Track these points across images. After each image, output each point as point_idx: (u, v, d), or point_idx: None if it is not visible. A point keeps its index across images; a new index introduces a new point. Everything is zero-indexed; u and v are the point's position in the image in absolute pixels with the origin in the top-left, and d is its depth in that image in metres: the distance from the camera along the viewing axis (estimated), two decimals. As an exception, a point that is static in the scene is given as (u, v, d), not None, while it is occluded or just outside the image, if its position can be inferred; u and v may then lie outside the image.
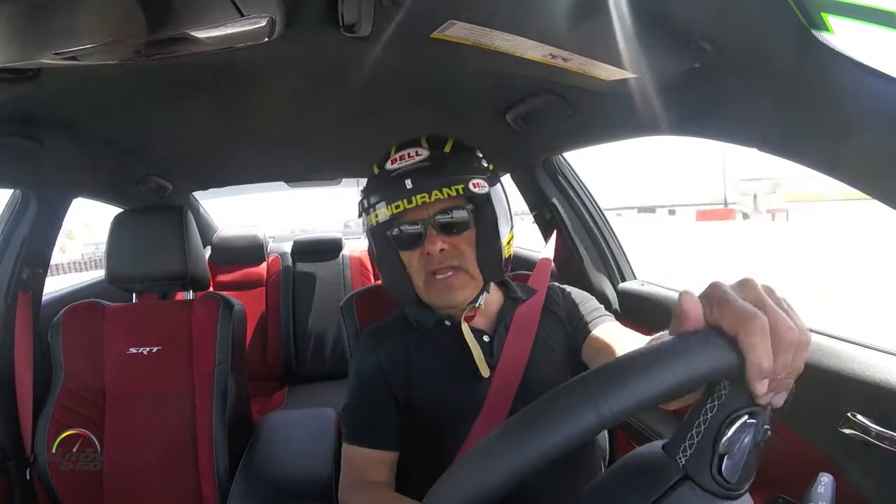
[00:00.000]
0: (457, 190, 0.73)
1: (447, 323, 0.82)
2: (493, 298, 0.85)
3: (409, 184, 0.72)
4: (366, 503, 0.71)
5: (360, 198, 0.82)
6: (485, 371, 0.77)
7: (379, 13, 0.59)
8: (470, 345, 0.78)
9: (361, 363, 0.82)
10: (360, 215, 0.81)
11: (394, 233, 0.78)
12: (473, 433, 0.74)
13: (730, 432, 0.35)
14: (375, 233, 0.79)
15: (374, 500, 0.71)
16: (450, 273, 0.76)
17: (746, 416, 0.35)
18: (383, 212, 0.74)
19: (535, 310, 0.84)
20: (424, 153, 0.76)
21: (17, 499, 1.11)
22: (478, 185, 0.75)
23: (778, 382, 0.34)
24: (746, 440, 0.35)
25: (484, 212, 0.78)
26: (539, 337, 0.81)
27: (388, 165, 0.77)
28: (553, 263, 1.51)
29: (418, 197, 0.72)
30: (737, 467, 0.35)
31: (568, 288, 0.91)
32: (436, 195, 0.72)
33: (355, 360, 0.85)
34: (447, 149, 0.78)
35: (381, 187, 0.76)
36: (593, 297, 0.89)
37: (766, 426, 0.36)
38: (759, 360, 0.32)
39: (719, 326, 0.34)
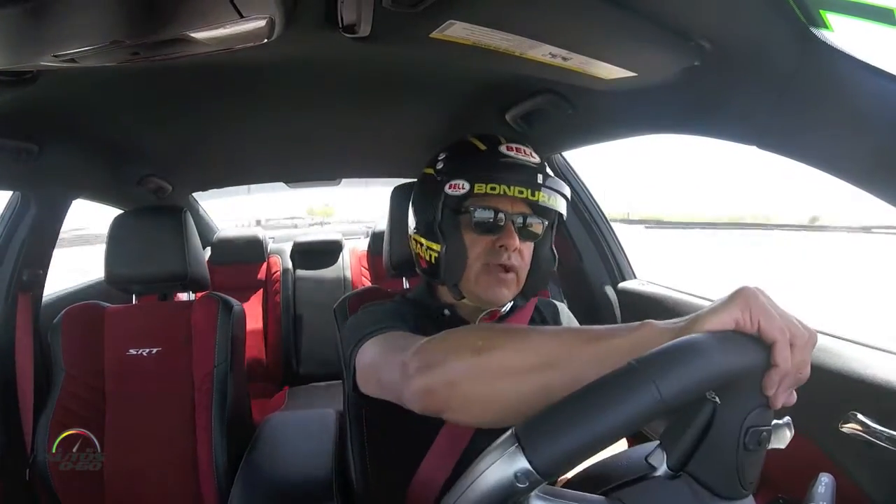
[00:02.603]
0: (558, 203, 0.75)
1: (446, 312, 0.81)
2: None
3: (540, 178, 0.72)
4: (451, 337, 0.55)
5: (446, 162, 0.78)
6: None
7: (378, 14, 0.58)
8: None
9: (383, 307, 0.80)
10: (439, 177, 0.77)
11: (478, 212, 0.75)
12: (443, 432, 0.74)
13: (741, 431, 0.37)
14: (449, 202, 0.76)
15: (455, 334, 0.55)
16: (506, 272, 0.76)
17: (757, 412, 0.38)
18: (490, 187, 0.72)
19: (525, 318, 0.84)
20: (536, 158, 0.77)
21: (18, 499, 1.11)
22: (565, 206, 0.77)
23: (792, 382, 0.39)
24: (754, 439, 0.37)
25: (550, 230, 0.81)
26: None
27: (504, 150, 0.76)
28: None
29: (541, 193, 0.72)
30: (742, 466, 0.37)
31: (563, 309, 0.92)
32: (550, 200, 0.73)
33: (385, 305, 0.81)
34: (544, 163, 0.79)
35: (495, 164, 0.74)
36: None
37: (767, 427, 0.38)
38: (787, 367, 0.38)
39: (754, 332, 0.38)
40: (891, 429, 0.63)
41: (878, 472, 0.66)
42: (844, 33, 0.49)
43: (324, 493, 0.95)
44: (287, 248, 2.45)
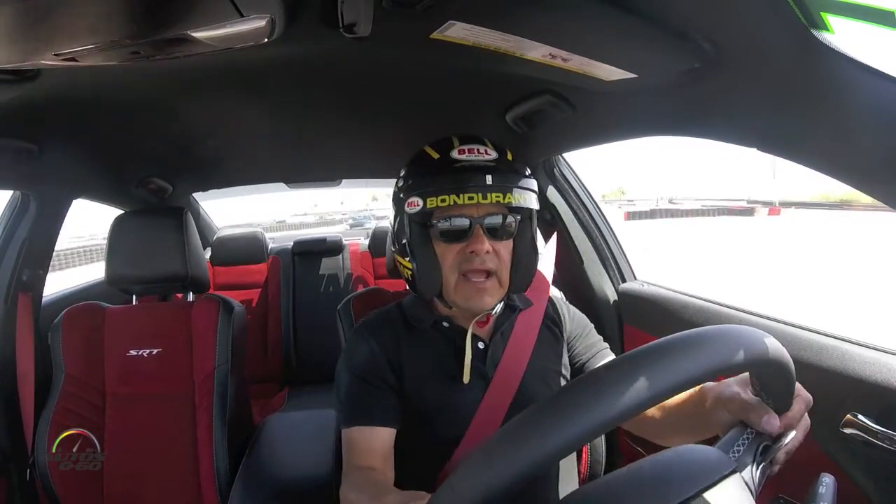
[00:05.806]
0: (525, 199, 0.74)
1: (445, 324, 0.81)
2: None
3: (489, 179, 0.71)
4: (359, 493, 0.68)
5: (405, 179, 0.78)
6: (466, 377, 0.77)
7: (379, 14, 0.59)
8: (467, 349, 0.78)
9: (354, 353, 0.81)
10: (401, 194, 0.78)
11: (441, 223, 0.75)
12: (467, 439, 0.74)
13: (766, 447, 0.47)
14: (414, 218, 0.76)
15: (368, 489, 0.68)
16: (484, 278, 0.75)
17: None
18: (440, 199, 0.72)
19: (535, 322, 0.84)
20: (493, 154, 0.75)
21: (18, 499, 1.11)
22: (535, 201, 0.77)
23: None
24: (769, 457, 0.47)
25: (527, 225, 0.79)
26: (534, 350, 0.81)
27: (455, 154, 0.74)
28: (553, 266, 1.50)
29: (494, 195, 0.71)
30: (764, 472, 0.45)
31: (572, 309, 0.91)
32: (508, 198, 0.72)
33: (347, 352, 0.82)
34: (509, 157, 0.78)
35: (444, 173, 0.74)
36: (593, 326, 0.90)
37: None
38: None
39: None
40: (890, 429, 0.63)
41: (878, 472, 0.66)
42: (845, 35, 0.49)
43: (324, 493, 0.95)
44: (287, 248, 2.46)
